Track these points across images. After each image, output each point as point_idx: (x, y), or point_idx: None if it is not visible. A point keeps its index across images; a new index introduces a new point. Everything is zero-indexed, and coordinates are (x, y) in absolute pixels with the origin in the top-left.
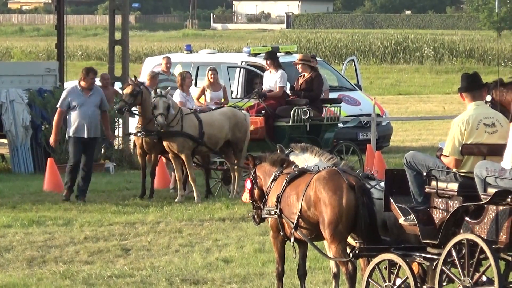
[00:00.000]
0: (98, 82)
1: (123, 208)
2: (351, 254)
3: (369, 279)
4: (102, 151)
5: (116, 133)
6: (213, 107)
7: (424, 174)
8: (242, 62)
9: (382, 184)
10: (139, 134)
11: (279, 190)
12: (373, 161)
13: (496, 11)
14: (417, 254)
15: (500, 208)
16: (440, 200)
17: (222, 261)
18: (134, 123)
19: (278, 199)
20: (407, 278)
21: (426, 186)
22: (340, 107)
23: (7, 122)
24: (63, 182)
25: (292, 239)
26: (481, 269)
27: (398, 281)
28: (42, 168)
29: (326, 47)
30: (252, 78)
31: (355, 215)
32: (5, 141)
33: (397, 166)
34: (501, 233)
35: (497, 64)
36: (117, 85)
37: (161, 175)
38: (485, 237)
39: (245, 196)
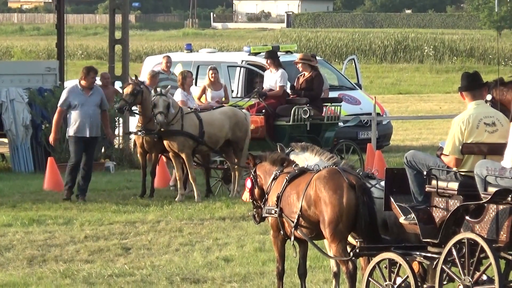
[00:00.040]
0: (98, 81)
1: (123, 207)
2: (351, 253)
3: (370, 278)
4: (103, 150)
5: (116, 132)
6: (215, 106)
7: (425, 173)
8: (242, 61)
9: (383, 183)
10: (139, 133)
11: (279, 189)
12: (374, 160)
13: (496, 10)
14: (418, 253)
15: (501, 207)
16: (440, 199)
17: (223, 260)
18: (134, 122)
19: (279, 198)
20: (408, 277)
21: (426, 185)
22: (340, 106)
23: (7, 121)
24: (63, 181)
25: (292, 238)
26: (482, 268)
27: (399, 280)
28: (42, 167)
29: (326, 46)
30: (252, 78)
31: (355, 214)
32: (5, 140)
33: (398, 165)
34: (502, 232)
35: (497, 63)
36: (117, 84)
37: (162, 174)
38: (486, 236)
39: (246, 195)
